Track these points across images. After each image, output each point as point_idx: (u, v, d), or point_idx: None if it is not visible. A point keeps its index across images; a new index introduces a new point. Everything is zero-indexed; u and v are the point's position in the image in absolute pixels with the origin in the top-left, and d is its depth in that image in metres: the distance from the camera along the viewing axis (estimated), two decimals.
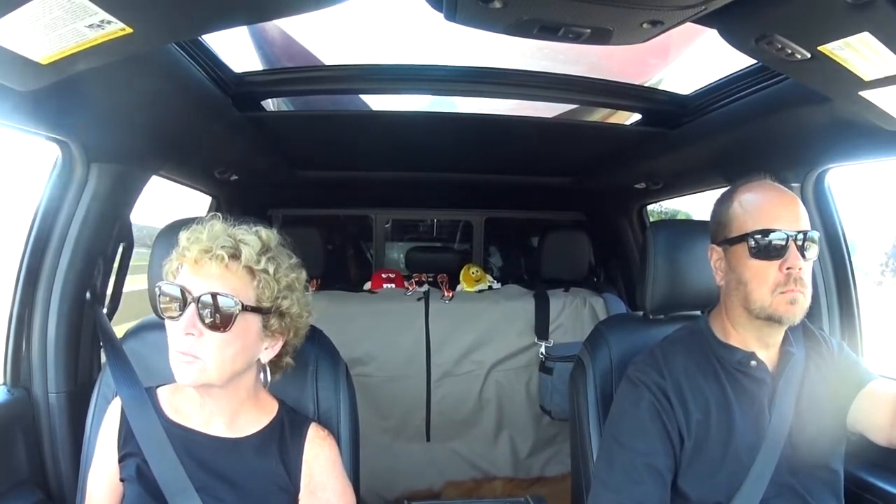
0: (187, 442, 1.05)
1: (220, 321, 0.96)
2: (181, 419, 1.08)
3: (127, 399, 1.10)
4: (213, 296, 0.96)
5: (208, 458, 1.05)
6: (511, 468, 2.35)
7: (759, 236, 1.09)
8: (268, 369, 1.08)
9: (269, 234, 1.05)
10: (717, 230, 1.18)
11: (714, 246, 1.18)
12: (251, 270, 1.00)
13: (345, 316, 2.23)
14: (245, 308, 0.98)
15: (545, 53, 1.68)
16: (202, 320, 0.96)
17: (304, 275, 1.08)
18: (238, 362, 1.00)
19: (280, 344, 1.06)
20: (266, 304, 1.01)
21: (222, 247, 0.97)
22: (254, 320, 1.00)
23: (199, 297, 0.96)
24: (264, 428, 1.09)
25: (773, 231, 1.08)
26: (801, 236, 1.09)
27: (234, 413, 1.07)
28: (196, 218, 1.06)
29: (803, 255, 1.08)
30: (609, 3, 0.83)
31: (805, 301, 1.09)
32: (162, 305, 0.99)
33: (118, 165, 1.42)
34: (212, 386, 1.01)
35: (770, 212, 1.10)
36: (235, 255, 0.98)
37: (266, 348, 1.05)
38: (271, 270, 1.01)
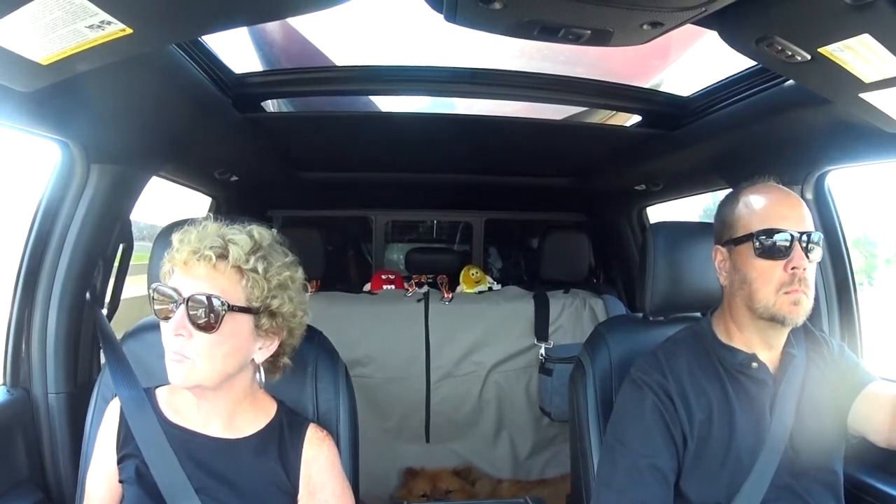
0: (186, 443, 1.05)
1: (209, 322, 0.96)
2: (180, 420, 1.07)
3: (126, 400, 1.09)
4: (201, 297, 0.96)
5: (207, 459, 1.05)
6: (511, 469, 2.35)
7: (764, 236, 1.09)
8: (262, 369, 1.07)
9: (262, 233, 1.04)
10: (721, 231, 1.18)
11: (718, 247, 1.18)
12: (240, 270, 0.99)
13: (344, 317, 2.23)
14: (232, 308, 0.98)
15: (545, 55, 1.68)
16: (192, 321, 0.96)
17: (299, 273, 1.07)
18: (229, 363, 1.00)
19: (275, 344, 1.06)
20: (255, 304, 1.00)
21: (210, 247, 0.97)
22: (244, 320, 1.00)
23: (188, 299, 0.96)
24: (263, 428, 1.08)
25: (778, 231, 1.09)
26: (805, 237, 1.09)
27: (231, 414, 1.07)
28: (191, 219, 1.06)
29: (807, 256, 1.08)
30: (609, 5, 0.83)
31: (808, 302, 1.09)
32: (156, 307, 1.00)
33: (118, 166, 1.42)
34: (204, 387, 1.01)
35: (775, 212, 1.11)
36: (223, 255, 0.98)
37: (260, 348, 1.04)
38: (261, 269, 1.00)
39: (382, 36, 1.87)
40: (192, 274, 0.98)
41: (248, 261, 0.99)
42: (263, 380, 1.08)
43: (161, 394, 1.11)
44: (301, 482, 1.07)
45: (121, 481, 1.06)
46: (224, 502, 1.03)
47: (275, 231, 1.08)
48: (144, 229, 2.10)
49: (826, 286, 1.62)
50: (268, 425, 1.09)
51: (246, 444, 1.07)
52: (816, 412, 1.13)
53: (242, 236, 1.01)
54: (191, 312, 0.96)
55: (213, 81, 1.39)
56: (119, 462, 1.06)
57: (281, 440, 1.08)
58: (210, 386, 1.01)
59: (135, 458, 1.04)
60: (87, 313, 1.46)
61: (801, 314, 1.09)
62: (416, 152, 2.14)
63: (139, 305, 1.34)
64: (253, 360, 1.05)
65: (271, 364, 1.09)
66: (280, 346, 1.07)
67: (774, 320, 1.10)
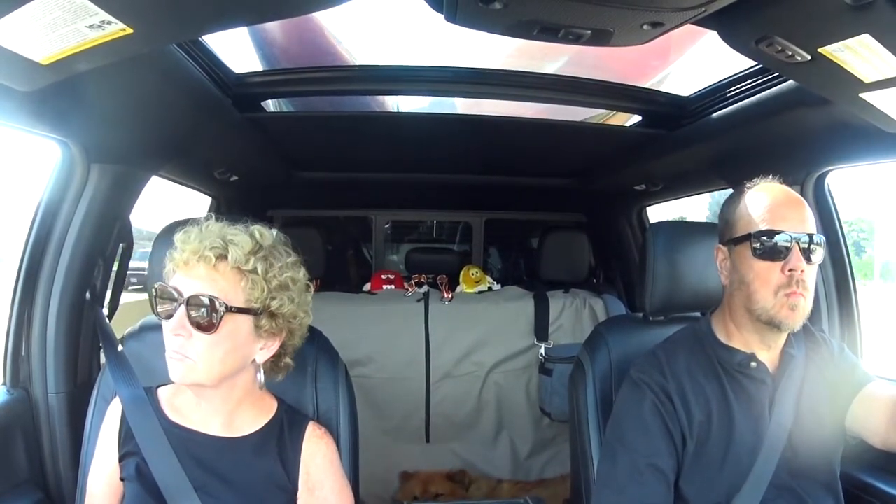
0: (186, 442, 1.05)
1: (207, 323, 0.97)
2: (180, 419, 1.07)
3: (126, 399, 1.10)
4: (201, 297, 0.97)
5: (207, 458, 1.05)
6: (510, 470, 2.34)
7: (764, 237, 1.08)
8: (262, 370, 1.07)
9: (263, 233, 1.04)
10: (723, 230, 1.17)
11: (720, 246, 1.18)
12: (240, 271, 0.99)
13: (344, 317, 2.23)
14: (231, 309, 0.98)
15: (545, 54, 1.68)
16: (192, 321, 0.97)
17: (301, 274, 1.07)
18: (228, 363, 1.00)
19: (276, 344, 1.06)
20: (255, 306, 1.00)
21: (211, 248, 0.98)
22: (244, 321, 1.00)
23: (188, 299, 0.97)
24: (263, 427, 1.09)
25: (777, 232, 1.08)
26: (805, 239, 1.08)
27: (231, 413, 1.07)
28: (193, 219, 1.06)
29: (808, 259, 1.07)
30: (609, 5, 0.83)
31: (806, 306, 1.08)
32: (158, 306, 1.00)
33: (118, 166, 1.42)
34: (203, 386, 1.01)
35: (776, 213, 1.10)
36: (223, 256, 0.99)
37: (261, 349, 1.04)
38: (260, 270, 1.00)
39: (383, 36, 1.88)
40: (192, 274, 0.98)
41: (247, 262, 0.99)
42: (263, 380, 1.08)
43: (162, 393, 1.11)
44: (300, 479, 1.07)
45: (122, 479, 1.06)
46: (223, 500, 1.03)
47: (275, 231, 1.08)
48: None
49: (826, 286, 1.62)
50: (268, 424, 1.09)
51: (246, 442, 1.07)
52: (815, 412, 1.13)
53: (244, 237, 1.01)
54: (191, 313, 0.97)
55: (213, 81, 1.39)
56: (120, 460, 1.06)
57: (280, 438, 1.08)
58: (209, 385, 1.01)
59: (135, 455, 1.05)
60: (87, 313, 1.46)
61: (798, 319, 1.08)
62: (416, 152, 2.14)
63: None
64: (254, 360, 1.05)
65: (273, 364, 1.09)
66: (282, 346, 1.07)
67: (771, 324, 1.09)
